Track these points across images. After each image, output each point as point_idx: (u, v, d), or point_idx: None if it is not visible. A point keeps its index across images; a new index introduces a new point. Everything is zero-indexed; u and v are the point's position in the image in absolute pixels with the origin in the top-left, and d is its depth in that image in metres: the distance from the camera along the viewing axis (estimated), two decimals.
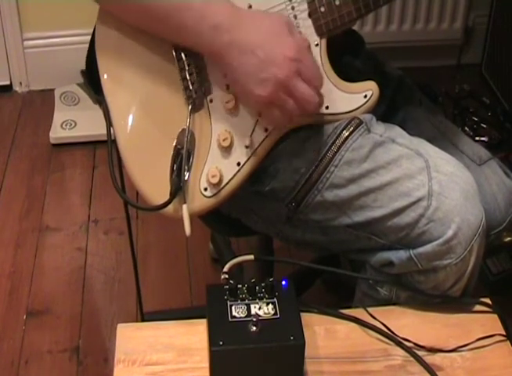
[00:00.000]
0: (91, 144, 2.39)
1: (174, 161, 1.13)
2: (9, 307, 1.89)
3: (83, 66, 1.22)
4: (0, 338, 1.80)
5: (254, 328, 0.98)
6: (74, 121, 2.46)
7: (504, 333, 1.11)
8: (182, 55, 1.13)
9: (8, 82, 2.63)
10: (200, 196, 1.14)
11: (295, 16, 1.13)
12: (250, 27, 1.07)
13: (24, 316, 1.86)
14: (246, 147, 1.13)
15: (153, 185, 1.15)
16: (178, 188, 1.12)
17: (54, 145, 2.41)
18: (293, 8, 1.13)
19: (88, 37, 1.19)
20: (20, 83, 2.63)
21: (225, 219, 1.29)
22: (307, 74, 1.07)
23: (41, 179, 2.29)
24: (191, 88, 1.14)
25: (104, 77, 1.16)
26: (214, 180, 1.13)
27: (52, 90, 2.58)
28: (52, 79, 2.60)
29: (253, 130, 1.14)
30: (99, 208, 2.19)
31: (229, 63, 1.07)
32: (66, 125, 2.44)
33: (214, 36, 1.06)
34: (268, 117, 1.11)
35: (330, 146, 1.13)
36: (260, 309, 1.00)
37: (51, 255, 2.04)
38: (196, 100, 1.14)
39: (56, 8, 2.49)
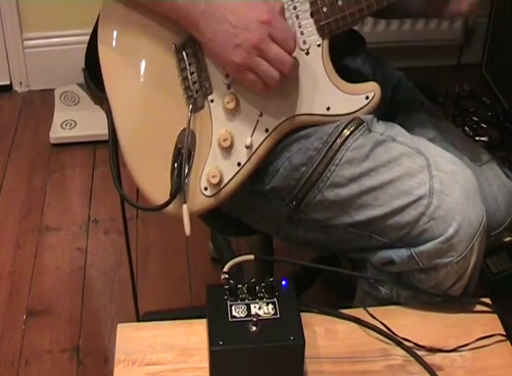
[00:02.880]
0: (91, 144, 2.39)
1: (175, 161, 1.13)
2: (9, 307, 1.88)
3: (83, 65, 1.22)
4: (0, 338, 1.80)
5: (254, 328, 0.98)
6: (74, 120, 2.45)
7: (504, 333, 1.10)
8: (184, 54, 1.13)
9: (8, 82, 2.63)
10: (200, 195, 1.14)
11: (297, 16, 1.13)
12: None
13: (24, 316, 1.86)
14: (247, 148, 1.13)
15: (154, 184, 1.15)
16: (179, 188, 1.12)
17: (54, 145, 2.41)
18: (295, 8, 1.13)
19: (88, 38, 1.19)
20: (20, 83, 2.63)
21: (226, 218, 1.29)
22: (279, 37, 1.07)
23: (41, 179, 2.28)
24: (192, 88, 1.14)
25: (106, 75, 1.16)
26: (215, 180, 1.13)
27: (52, 90, 2.57)
28: (52, 79, 2.59)
29: (253, 130, 1.14)
30: (99, 208, 2.18)
31: (204, 31, 1.08)
32: (66, 125, 2.44)
33: (190, 5, 1.07)
34: (247, 82, 1.11)
35: (331, 145, 1.13)
36: (260, 308, 1.00)
37: (51, 255, 2.04)
38: (197, 100, 1.14)
39: (56, 8, 2.49)
